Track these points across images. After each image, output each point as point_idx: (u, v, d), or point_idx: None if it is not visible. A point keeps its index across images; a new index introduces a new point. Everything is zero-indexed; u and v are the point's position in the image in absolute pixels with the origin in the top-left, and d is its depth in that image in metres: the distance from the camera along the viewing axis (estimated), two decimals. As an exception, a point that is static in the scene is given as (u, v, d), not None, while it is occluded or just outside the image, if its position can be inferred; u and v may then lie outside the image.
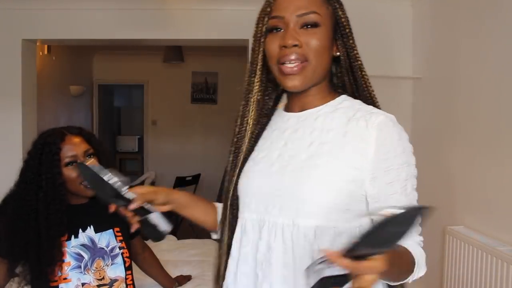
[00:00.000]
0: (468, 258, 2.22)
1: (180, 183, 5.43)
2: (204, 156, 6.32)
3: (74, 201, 1.43)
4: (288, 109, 0.98)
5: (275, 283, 0.86)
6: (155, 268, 1.75)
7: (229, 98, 5.92)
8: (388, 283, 0.89)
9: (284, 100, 1.01)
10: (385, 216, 0.65)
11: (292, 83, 0.88)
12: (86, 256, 1.39)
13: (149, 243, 1.78)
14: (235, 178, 0.95)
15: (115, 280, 1.43)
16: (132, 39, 3.44)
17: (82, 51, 5.80)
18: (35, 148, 1.41)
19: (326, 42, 0.89)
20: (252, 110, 0.93)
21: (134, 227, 0.90)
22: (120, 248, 1.45)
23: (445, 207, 2.64)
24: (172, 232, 2.74)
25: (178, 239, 3.00)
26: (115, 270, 1.43)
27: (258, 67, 0.91)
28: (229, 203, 0.96)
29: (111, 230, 1.46)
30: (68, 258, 1.37)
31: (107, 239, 1.44)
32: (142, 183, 5.78)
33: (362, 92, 0.95)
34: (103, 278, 1.41)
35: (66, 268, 1.36)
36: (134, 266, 1.55)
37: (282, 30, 0.87)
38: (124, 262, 1.46)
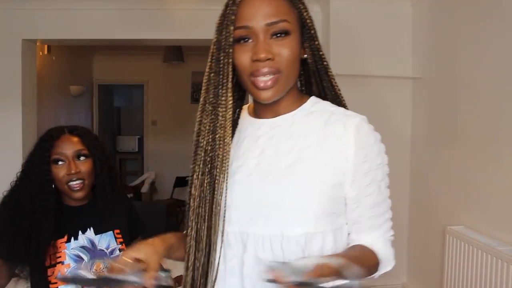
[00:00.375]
0: (468, 258, 2.22)
1: (180, 183, 5.43)
2: (204, 156, 6.30)
3: (73, 203, 1.43)
4: (257, 115, 0.94)
5: None
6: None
7: (229, 98, 5.91)
8: None
9: (245, 104, 0.98)
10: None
11: (266, 96, 0.84)
12: (85, 258, 1.39)
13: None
14: (224, 192, 0.86)
15: None
16: (132, 39, 3.44)
17: (82, 51, 5.80)
18: (36, 142, 1.41)
19: (296, 49, 0.85)
20: (227, 127, 0.85)
21: None
22: (120, 250, 1.45)
23: (445, 207, 2.64)
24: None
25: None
26: None
27: (229, 79, 0.84)
28: (218, 217, 0.87)
29: (111, 232, 1.45)
30: (67, 260, 1.36)
31: (107, 241, 1.44)
32: (142, 183, 5.79)
33: (329, 92, 0.95)
34: None
35: (65, 270, 1.36)
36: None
37: (251, 41, 0.83)
38: None
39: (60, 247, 1.36)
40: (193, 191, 0.87)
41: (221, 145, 0.85)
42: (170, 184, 5.82)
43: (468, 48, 2.42)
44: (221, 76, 0.84)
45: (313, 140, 0.87)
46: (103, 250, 1.42)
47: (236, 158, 0.89)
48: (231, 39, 0.83)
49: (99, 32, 3.25)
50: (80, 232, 1.41)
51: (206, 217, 0.86)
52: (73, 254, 1.38)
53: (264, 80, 0.83)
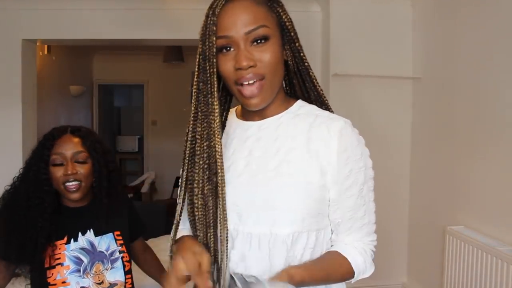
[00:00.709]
0: (468, 258, 2.22)
1: (180, 183, 5.42)
2: (204, 156, 6.30)
3: (72, 204, 1.42)
4: (245, 117, 0.97)
5: None
6: (155, 269, 1.75)
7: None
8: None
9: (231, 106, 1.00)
10: None
11: (254, 103, 0.87)
12: (85, 260, 1.38)
13: (149, 243, 1.78)
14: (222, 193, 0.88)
15: (115, 284, 1.42)
16: (132, 39, 3.44)
17: (82, 51, 5.80)
18: (39, 140, 1.41)
19: (278, 53, 0.87)
20: (218, 134, 0.87)
21: None
22: (120, 252, 1.44)
23: (445, 207, 2.64)
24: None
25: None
26: (115, 274, 1.43)
27: (215, 88, 0.86)
28: (222, 216, 0.87)
29: (111, 233, 1.45)
30: (67, 262, 1.36)
31: (107, 242, 1.43)
32: (142, 183, 5.79)
33: (312, 92, 0.96)
34: (103, 282, 1.40)
35: (65, 272, 1.35)
36: (134, 266, 1.55)
37: (233, 50, 0.85)
38: (124, 266, 1.44)
39: (59, 249, 1.36)
40: (195, 200, 0.88)
41: (217, 152, 0.87)
42: (170, 184, 5.82)
43: (468, 48, 2.42)
44: (209, 86, 0.86)
45: (299, 142, 0.89)
46: (102, 252, 1.42)
47: (225, 159, 0.91)
48: (214, 49, 0.85)
49: (99, 32, 3.25)
50: (80, 234, 1.40)
51: (212, 224, 0.88)
52: (72, 256, 1.37)
53: (250, 88, 0.85)
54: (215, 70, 0.86)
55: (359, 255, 0.93)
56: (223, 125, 0.96)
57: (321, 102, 0.97)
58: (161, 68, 6.53)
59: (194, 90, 0.89)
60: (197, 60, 0.88)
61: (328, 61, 3.03)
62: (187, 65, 6.33)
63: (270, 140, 0.91)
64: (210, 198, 0.87)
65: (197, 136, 0.88)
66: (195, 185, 0.88)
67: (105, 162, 1.42)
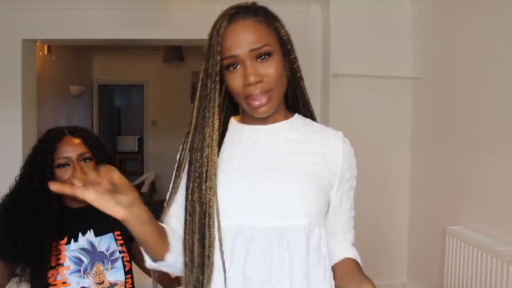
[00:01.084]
0: (468, 258, 2.22)
1: (180, 183, 5.41)
2: (204, 156, 6.30)
3: (73, 204, 1.42)
4: (246, 122, 1.01)
5: (276, 284, 0.89)
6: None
7: (229, 98, 5.91)
8: None
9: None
10: None
11: (262, 111, 0.92)
12: (85, 260, 1.38)
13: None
14: (212, 191, 0.91)
15: (115, 284, 1.42)
16: (132, 39, 3.44)
17: (82, 51, 5.80)
18: (36, 144, 1.40)
19: (281, 66, 0.93)
20: (213, 146, 0.93)
21: None
22: (120, 252, 1.44)
23: (445, 207, 2.64)
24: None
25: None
26: (115, 274, 1.43)
27: (215, 104, 0.92)
28: (212, 214, 0.90)
29: (111, 233, 1.45)
30: (67, 262, 1.36)
31: (107, 243, 1.43)
32: (142, 183, 5.79)
33: (301, 100, 1.04)
34: (103, 282, 1.40)
35: (65, 272, 1.35)
36: (134, 266, 1.55)
37: (239, 67, 0.91)
38: (124, 266, 1.44)
39: (60, 249, 1.36)
40: (188, 206, 0.94)
41: (209, 163, 0.92)
42: (170, 184, 5.81)
43: (468, 48, 2.42)
44: (208, 101, 0.93)
45: (311, 146, 0.98)
46: (103, 252, 1.42)
47: (233, 159, 0.96)
48: (217, 68, 0.91)
49: (99, 32, 3.25)
50: (80, 234, 1.40)
51: (196, 230, 0.91)
52: (73, 256, 1.37)
53: (259, 100, 0.91)
54: (217, 87, 0.92)
55: (355, 251, 1.05)
56: (222, 134, 1.00)
57: (307, 110, 1.05)
58: (161, 68, 6.53)
59: (196, 104, 0.95)
60: (201, 76, 0.94)
61: (328, 61, 3.03)
62: (187, 65, 6.33)
63: (283, 142, 0.97)
64: (197, 205, 0.91)
65: (194, 146, 0.94)
66: (189, 192, 0.93)
67: (107, 159, 1.44)
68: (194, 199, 0.92)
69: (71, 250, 1.37)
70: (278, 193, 0.92)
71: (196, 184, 0.92)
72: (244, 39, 0.89)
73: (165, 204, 1.01)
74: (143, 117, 6.96)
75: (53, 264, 1.34)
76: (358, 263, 1.01)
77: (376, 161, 2.96)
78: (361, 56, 3.01)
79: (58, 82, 5.09)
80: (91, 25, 3.21)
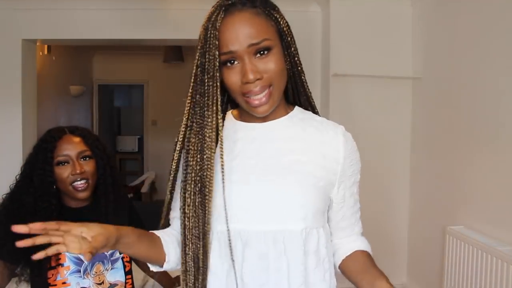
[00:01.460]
0: (468, 258, 2.22)
1: (180, 183, 5.41)
2: (204, 156, 6.30)
3: (73, 204, 1.43)
4: (244, 120, 0.97)
5: None
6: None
7: (229, 98, 5.92)
8: None
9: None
10: None
11: (263, 110, 0.88)
12: (85, 261, 1.39)
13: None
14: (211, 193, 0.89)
15: (115, 285, 1.42)
16: (132, 39, 3.44)
17: (82, 51, 5.80)
18: (36, 143, 1.41)
19: (281, 60, 0.88)
20: (213, 148, 0.88)
21: None
22: (120, 252, 1.45)
23: (445, 207, 2.64)
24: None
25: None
26: (115, 275, 1.43)
27: (216, 101, 0.87)
28: (209, 216, 0.89)
29: None
30: (67, 262, 1.36)
31: None
32: (142, 183, 5.79)
33: (302, 96, 0.99)
34: (103, 282, 1.40)
35: (65, 272, 1.35)
36: (134, 266, 1.55)
37: (237, 63, 0.85)
38: (124, 266, 1.45)
39: None
40: (186, 210, 0.90)
41: (209, 166, 0.87)
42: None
43: (468, 48, 2.42)
44: (206, 98, 0.87)
45: (310, 144, 0.94)
46: (103, 253, 1.42)
47: (230, 160, 0.91)
48: (216, 63, 0.85)
49: (99, 32, 3.25)
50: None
51: (201, 236, 0.89)
52: (73, 257, 1.37)
53: (258, 98, 0.86)
54: (216, 83, 0.86)
55: (366, 241, 1.03)
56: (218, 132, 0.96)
57: (309, 104, 1.01)
58: (161, 68, 6.53)
59: (188, 101, 0.90)
60: (194, 71, 0.88)
61: (328, 61, 3.03)
62: (187, 65, 6.33)
63: (281, 140, 0.93)
64: (199, 209, 0.88)
65: (191, 147, 0.89)
66: (187, 195, 0.89)
67: (107, 158, 1.44)
68: (196, 204, 0.88)
69: None
70: (274, 196, 0.88)
71: (197, 189, 0.87)
72: (242, 33, 0.83)
73: (163, 208, 0.99)
74: (143, 117, 6.96)
75: (53, 264, 1.34)
76: (370, 256, 0.99)
77: (376, 161, 2.96)
78: (361, 56, 3.01)
79: (58, 82, 5.09)
80: (91, 25, 3.21)
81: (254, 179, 0.89)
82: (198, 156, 0.88)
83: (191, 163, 0.89)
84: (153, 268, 0.96)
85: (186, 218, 0.90)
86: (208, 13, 0.87)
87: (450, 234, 2.40)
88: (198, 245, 0.89)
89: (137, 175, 6.54)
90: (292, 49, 0.92)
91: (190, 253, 0.90)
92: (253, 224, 0.88)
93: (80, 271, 1.37)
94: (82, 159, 1.38)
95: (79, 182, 1.36)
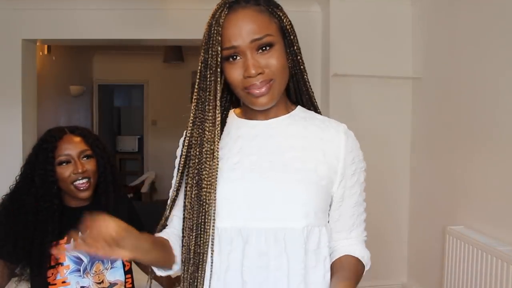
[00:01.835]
0: (468, 258, 2.22)
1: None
2: (204, 156, 6.31)
3: (73, 204, 1.43)
4: (247, 117, 0.97)
5: (273, 286, 0.88)
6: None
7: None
8: None
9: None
10: None
11: (263, 101, 0.89)
12: (85, 260, 1.39)
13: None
14: (212, 188, 0.89)
15: (115, 284, 1.42)
16: (132, 39, 3.44)
17: (82, 51, 5.80)
18: (36, 143, 1.41)
19: (283, 57, 0.90)
20: (215, 141, 0.89)
21: None
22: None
23: (445, 207, 2.64)
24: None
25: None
26: (115, 274, 1.43)
27: (216, 96, 0.88)
28: (210, 212, 0.89)
29: None
30: (67, 262, 1.36)
31: None
32: (142, 183, 5.79)
33: (304, 95, 1.00)
34: (102, 281, 1.40)
35: (65, 272, 1.35)
36: (134, 266, 1.55)
37: (239, 58, 0.87)
38: (124, 266, 1.45)
39: (60, 249, 1.36)
40: (186, 203, 0.91)
41: (208, 159, 0.89)
42: (170, 184, 5.80)
43: (468, 48, 2.42)
44: (207, 93, 0.89)
45: (311, 142, 0.94)
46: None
47: (231, 156, 0.92)
48: (218, 59, 0.87)
49: (99, 32, 3.25)
50: (80, 234, 1.40)
51: (195, 227, 0.90)
52: (72, 256, 1.37)
53: (258, 90, 0.87)
54: (217, 78, 0.88)
55: (365, 249, 0.99)
56: (222, 125, 0.97)
57: (311, 104, 1.01)
58: (161, 68, 6.53)
59: (194, 97, 0.91)
60: (199, 67, 0.90)
61: (328, 61, 3.03)
62: (187, 65, 6.33)
63: (282, 138, 0.94)
64: (196, 203, 0.89)
65: (193, 141, 0.91)
66: (188, 188, 0.91)
67: (107, 157, 1.45)
68: (193, 196, 0.89)
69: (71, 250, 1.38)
70: (275, 194, 0.89)
71: (195, 182, 0.89)
72: (244, 29, 0.85)
73: (168, 204, 0.98)
74: (143, 117, 6.96)
75: (52, 264, 1.35)
76: (355, 261, 0.96)
77: (376, 161, 2.95)
78: (361, 56, 3.01)
79: (58, 82, 5.09)
80: (91, 25, 3.21)
81: (255, 176, 0.90)
82: (198, 149, 0.90)
83: (192, 156, 0.91)
84: (160, 272, 0.96)
85: (186, 211, 0.91)
86: (213, 11, 0.89)
87: (450, 234, 2.40)
88: (191, 237, 0.90)
89: (137, 175, 6.54)
90: (295, 47, 0.93)
91: (186, 245, 0.91)
92: (254, 221, 0.88)
93: (79, 270, 1.37)
94: (83, 158, 1.39)
95: (81, 181, 1.37)
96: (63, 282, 1.35)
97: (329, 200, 0.95)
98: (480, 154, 2.31)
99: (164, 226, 1.00)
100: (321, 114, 1.01)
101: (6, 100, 3.18)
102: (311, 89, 1.00)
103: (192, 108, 0.92)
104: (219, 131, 0.90)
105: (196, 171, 0.89)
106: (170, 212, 0.98)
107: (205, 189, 0.88)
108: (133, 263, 1.55)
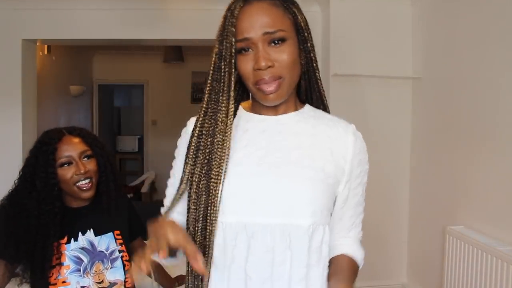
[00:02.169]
0: (468, 258, 2.22)
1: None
2: (204, 156, 6.30)
3: (74, 204, 1.43)
4: (256, 112, 0.97)
5: (276, 282, 0.88)
6: (154, 269, 1.75)
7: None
8: None
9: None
10: None
11: (272, 97, 0.89)
12: (85, 260, 1.39)
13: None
14: (219, 182, 0.89)
15: (115, 284, 1.42)
16: (132, 39, 3.44)
17: (82, 51, 5.80)
18: (34, 146, 1.40)
19: (295, 54, 0.89)
20: (227, 132, 0.89)
21: None
22: (119, 251, 1.45)
23: (445, 207, 2.64)
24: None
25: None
26: (115, 274, 1.43)
27: (230, 87, 0.89)
28: (217, 204, 0.88)
29: (111, 233, 1.45)
30: (67, 262, 1.36)
31: (106, 242, 1.44)
32: (142, 183, 5.79)
33: (314, 93, 1.00)
34: (102, 281, 1.40)
35: (65, 271, 1.35)
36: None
37: (251, 50, 0.88)
38: (124, 265, 1.45)
39: (60, 248, 1.36)
40: (192, 193, 0.90)
41: (219, 149, 0.88)
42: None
43: (468, 48, 2.42)
44: (221, 84, 0.89)
45: (320, 140, 0.94)
46: (102, 252, 1.42)
47: (237, 150, 0.91)
48: (232, 50, 0.87)
49: (99, 32, 3.25)
50: (80, 234, 1.40)
51: (201, 219, 0.89)
52: (72, 256, 1.38)
53: (268, 88, 0.88)
54: (232, 70, 0.88)
55: (361, 249, 1.00)
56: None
57: (321, 102, 1.01)
58: (161, 68, 6.53)
59: (207, 88, 0.91)
60: (213, 59, 0.90)
61: (328, 61, 3.03)
62: (187, 65, 6.33)
63: (291, 134, 0.93)
64: (204, 193, 0.88)
65: (204, 132, 0.91)
66: (195, 179, 0.90)
67: (106, 156, 1.46)
68: (201, 186, 0.88)
69: (71, 250, 1.38)
70: (282, 190, 0.88)
71: (203, 172, 0.89)
72: (258, 22, 0.86)
73: (175, 196, 0.94)
74: (143, 117, 6.96)
75: (53, 263, 1.35)
76: (351, 261, 0.97)
77: (376, 161, 2.94)
78: (361, 56, 3.01)
79: (58, 82, 5.09)
80: (91, 25, 3.21)
81: (262, 171, 0.89)
82: (209, 140, 0.90)
83: (202, 147, 0.90)
84: (166, 261, 0.94)
85: (191, 202, 0.90)
86: (229, 4, 0.90)
87: (450, 234, 2.40)
88: (197, 228, 0.89)
89: (137, 175, 6.54)
90: (308, 44, 0.93)
91: (191, 236, 0.89)
92: (260, 216, 0.87)
93: (80, 270, 1.37)
94: (84, 159, 1.39)
95: (83, 182, 1.37)
96: (63, 282, 1.35)
97: (333, 199, 0.95)
98: (480, 154, 2.31)
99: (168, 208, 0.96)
100: (330, 113, 1.01)
101: (6, 100, 3.18)
102: (322, 87, 1.00)
103: (205, 98, 0.91)
104: (231, 123, 0.90)
105: (205, 161, 0.89)
106: (174, 204, 0.94)
107: (213, 180, 0.88)
108: (133, 263, 1.55)
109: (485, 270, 2.08)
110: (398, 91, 3.08)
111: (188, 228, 0.91)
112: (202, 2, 3.12)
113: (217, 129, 0.89)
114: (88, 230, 1.42)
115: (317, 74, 0.97)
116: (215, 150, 0.89)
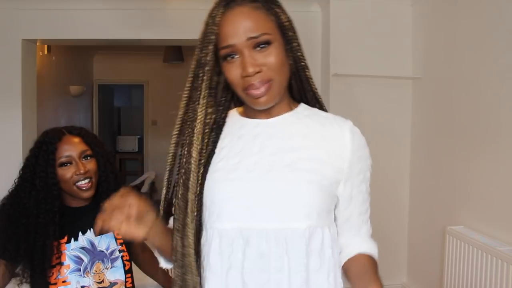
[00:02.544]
0: (468, 258, 2.22)
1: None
2: (204, 156, 6.30)
3: (74, 204, 1.43)
4: (249, 116, 0.96)
5: None
6: (155, 268, 1.75)
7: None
8: None
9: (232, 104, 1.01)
10: None
11: (262, 101, 0.88)
12: (85, 259, 1.39)
13: (148, 243, 1.78)
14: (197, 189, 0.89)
15: (115, 283, 1.42)
16: (132, 39, 3.44)
17: (82, 51, 5.80)
18: (34, 146, 1.40)
19: (282, 55, 0.88)
20: (198, 140, 0.89)
21: None
22: (120, 251, 1.45)
23: (445, 207, 2.64)
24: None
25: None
26: (115, 273, 1.43)
27: (204, 95, 0.89)
28: (192, 214, 0.89)
29: (111, 232, 1.45)
30: (67, 261, 1.36)
31: (107, 242, 1.44)
32: (142, 183, 5.79)
33: (308, 92, 0.99)
34: (103, 281, 1.40)
35: (65, 271, 1.35)
36: (134, 266, 1.55)
37: (237, 57, 0.86)
38: (124, 265, 1.45)
39: (60, 248, 1.37)
40: (174, 203, 0.91)
41: (193, 159, 0.88)
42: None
43: (468, 48, 2.42)
44: (198, 93, 0.90)
45: (313, 140, 0.92)
46: (102, 251, 1.42)
47: (232, 156, 0.91)
48: (209, 58, 0.87)
49: (99, 32, 3.25)
50: (80, 233, 1.40)
51: (180, 228, 0.89)
52: (72, 255, 1.38)
53: (257, 91, 0.86)
54: (207, 77, 0.88)
55: (375, 244, 1.00)
56: (222, 124, 0.96)
57: (316, 101, 1.00)
58: (161, 68, 6.54)
59: (185, 95, 0.91)
60: (192, 66, 0.90)
61: (328, 61, 3.03)
62: (187, 65, 6.22)
63: (283, 137, 0.92)
64: (182, 202, 0.88)
65: (182, 142, 0.91)
66: (178, 188, 0.90)
67: (106, 155, 1.46)
68: (179, 196, 0.89)
69: (71, 249, 1.38)
70: (276, 194, 0.86)
71: (181, 181, 0.89)
72: (241, 27, 0.84)
73: (162, 200, 0.98)
74: (143, 117, 6.97)
75: (53, 263, 1.35)
76: (372, 260, 0.96)
77: (376, 161, 2.95)
78: (361, 56, 3.01)
79: (58, 82, 5.09)
80: (91, 25, 3.21)
81: (256, 176, 0.88)
82: (186, 149, 0.90)
83: (182, 156, 0.91)
84: (165, 264, 0.96)
85: (174, 210, 0.91)
86: (210, 9, 0.88)
87: (450, 234, 2.40)
88: (178, 238, 0.88)
89: (137, 175, 6.54)
90: (295, 44, 0.92)
91: (174, 246, 0.89)
92: (255, 222, 0.86)
93: (80, 270, 1.37)
94: (84, 159, 1.39)
95: (83, 182, 1.37)
96: (64, 281, 1.35)
97: (334, 200, 0.93)
98: (480, 154, 2.31)
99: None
100: (326, 111, 1.00)
101: (6, 100, 3.18)
102: (315, 85, 0.98)
103: (182, 106, 0.91)
104: (208, 131, 0.90)
105: (183, 171, 0.89)
106: (163, 211, 0.96)
107: (191, 189, 0.88)
108: (133, 263, 1.55)
109: (485, 270, 2.08)
110: (398, 91, 3.08)
111: (173, 235, 0.90)
112: (202, 2, 3.11)
113: (193, 138, 0.89)
114: (88, 230, 1.42)
115: (307, 73, 0.95)
116: (191, 159, 0.89)
